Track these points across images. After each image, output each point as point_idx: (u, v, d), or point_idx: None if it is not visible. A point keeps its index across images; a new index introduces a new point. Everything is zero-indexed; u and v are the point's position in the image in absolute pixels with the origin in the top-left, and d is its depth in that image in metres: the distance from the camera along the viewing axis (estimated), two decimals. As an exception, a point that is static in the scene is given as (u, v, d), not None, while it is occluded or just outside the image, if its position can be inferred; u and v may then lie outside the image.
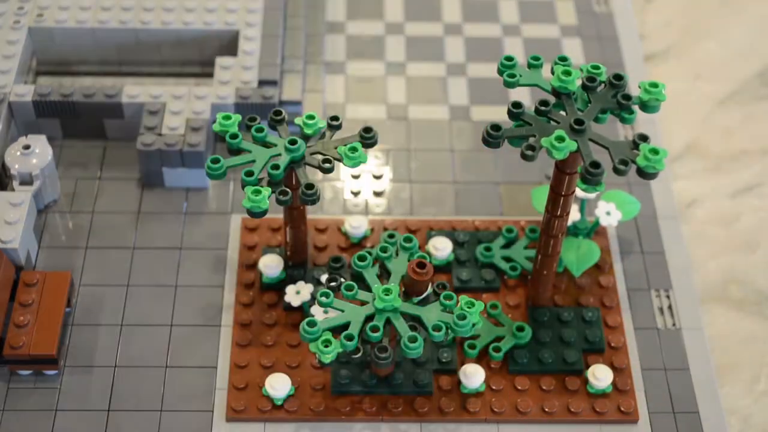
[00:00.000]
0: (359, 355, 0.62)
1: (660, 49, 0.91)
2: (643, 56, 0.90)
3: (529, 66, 0.62)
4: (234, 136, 0.63)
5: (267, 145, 0.63)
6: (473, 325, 0.61)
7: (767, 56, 0.91)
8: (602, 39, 0.90)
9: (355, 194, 0.78)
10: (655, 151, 0.57)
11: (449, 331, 0.60)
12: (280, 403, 0.66)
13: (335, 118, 0.65)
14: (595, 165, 0.57)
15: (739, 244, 0.78)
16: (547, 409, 0.66)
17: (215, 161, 0.62)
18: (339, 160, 0.63)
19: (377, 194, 0.78)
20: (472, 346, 0.68)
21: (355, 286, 0.62)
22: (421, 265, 0.61)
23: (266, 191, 0.61)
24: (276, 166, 0.62)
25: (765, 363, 0.72)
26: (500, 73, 0.62)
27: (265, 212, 0.61)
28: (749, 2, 0.95)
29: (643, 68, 0.88)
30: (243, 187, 0.61)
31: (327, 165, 0.63)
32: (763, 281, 0.76)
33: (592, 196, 0.72)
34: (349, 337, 0.60)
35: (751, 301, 0.75)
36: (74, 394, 0.66)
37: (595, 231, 0.75)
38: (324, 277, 0.65)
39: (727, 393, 0.70)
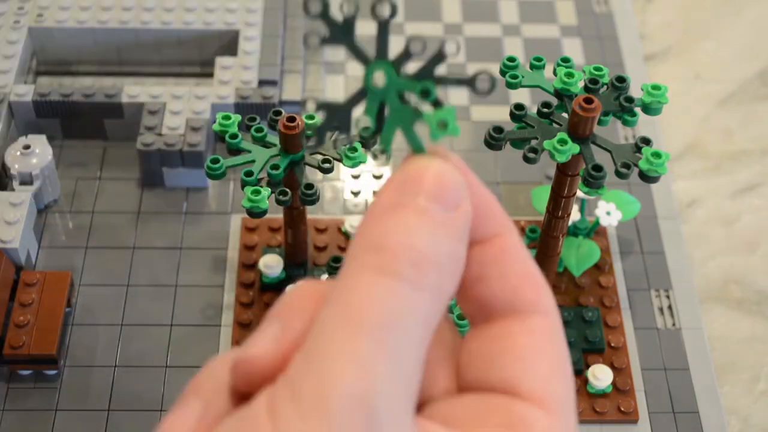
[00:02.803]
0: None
1: (660, 49, 0.91)
2: (643, 56, 0.89)
3: (531, 67, 0.62)
4: (234, 136, 0.63)
5: (266, 145, 0.63)
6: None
7: (767, 56, 0.91)
8: (602, 39, 0.89)
9: (355, 194, 0.78)
10: (657, 155, 0.57)
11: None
12: (280, 403, 0.66)
13: (335, 118, 0.65)
14: (598, 168, 0.57)
15: (739, 244, 0.78)
16: (547, 410, 0.66)
17: (215, 161, 0.62)
18: (338, 161, 0.63)
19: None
20: (472, 346, 0.68)
21: None
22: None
23: (266, 191, 0.61)
24: (276, 167, 0.62)
25: (765, 363, 0.72)
26: (502, 74, 0.61)
27: (264, 212, 0.60)
28: (749, 2, 0.95)
29: (643, 68, 0.88)
30: (242, 187, 0.61)
31: (326, 165, 0.63)
32: (763, 281, 0.76)
33: (592, 196, 0.72)
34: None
35: (751, 301, 0.75)
36: (74, 394, 0.66)
37: (595, 231, 0.75)
38: (324, 277, 0.65)
39: (727, 393, 0.70)
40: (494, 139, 0.59)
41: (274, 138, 0.64)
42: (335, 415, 0.31)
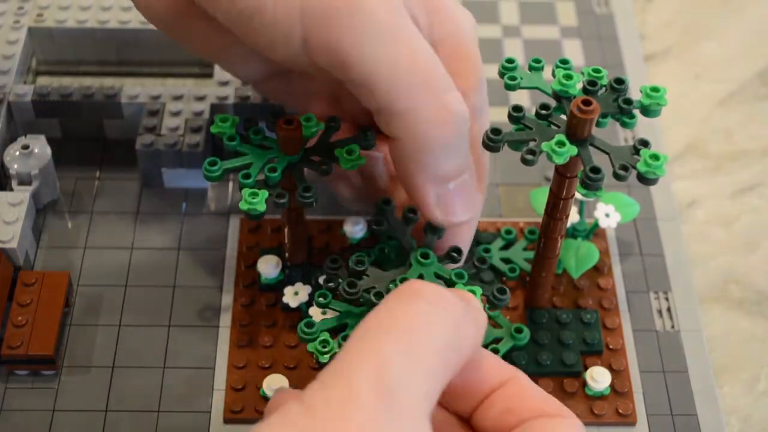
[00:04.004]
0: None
1: (660, 49, 0.91)
2: (643, 56, 0.89)
3: (530, 68, 0.62)
4: (231, 138, 0.63)
5: (265, 147, 0.63)
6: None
7: (767, 56, 0.91)
8: (602, 39, 0.89)
9: (355, 195, 0.78)
10: (655, 157, 0.57)
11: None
12: (278, 404, 0.66)
13: (333, 119, 0.65)
14: (596, 170, 0.57)
15: (739, 244, 0.78)
16: (545, 411, 0.66)
17: (212, 164, 0.62)
18: (336, 162, 0.63)
19: (376, 195, 0.78)
20: (471, 348, 0.68)
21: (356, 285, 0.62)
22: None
23: (263, 193, 0.60)
24: (273, 169, 0.62)
25: (765, 363, 0.72)
26: (501, 75, 0.61)
27: (262, 215, 0.60)
28: (749, 2, 0.95)
29: (643, 68, 0.87)
30: (240, 189, 0.61)
31: (324, 167, 0.63)
32: (763, 281, 0.76)
33: (590, 198, 0.72)
34: (347, 338, 0.60)
35: (751, 301, 0.75)
36: (72, 395, 0.66)
37: (594, 233, 0.75)
38: (322, 279, 0.65)
39: (726, 393, 0.70)
40: (492, 140, 0.59)
41: (272, 140, 0.64)
42: (354, 387, 0.38)
